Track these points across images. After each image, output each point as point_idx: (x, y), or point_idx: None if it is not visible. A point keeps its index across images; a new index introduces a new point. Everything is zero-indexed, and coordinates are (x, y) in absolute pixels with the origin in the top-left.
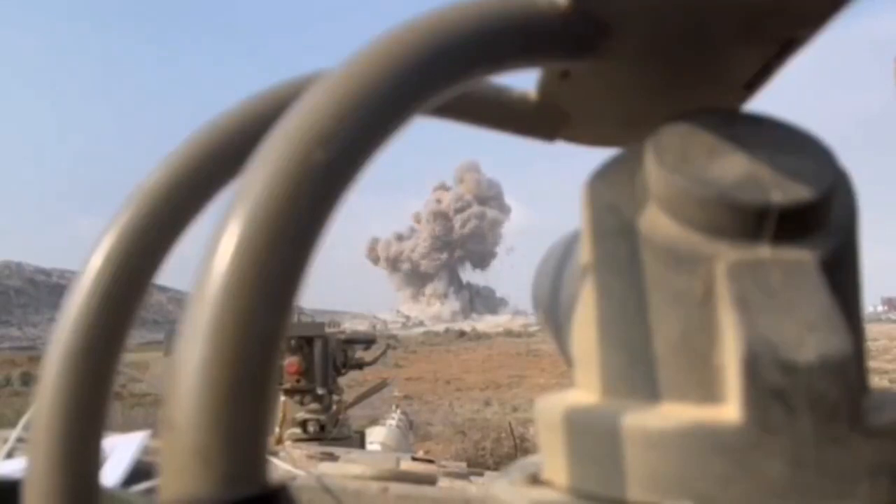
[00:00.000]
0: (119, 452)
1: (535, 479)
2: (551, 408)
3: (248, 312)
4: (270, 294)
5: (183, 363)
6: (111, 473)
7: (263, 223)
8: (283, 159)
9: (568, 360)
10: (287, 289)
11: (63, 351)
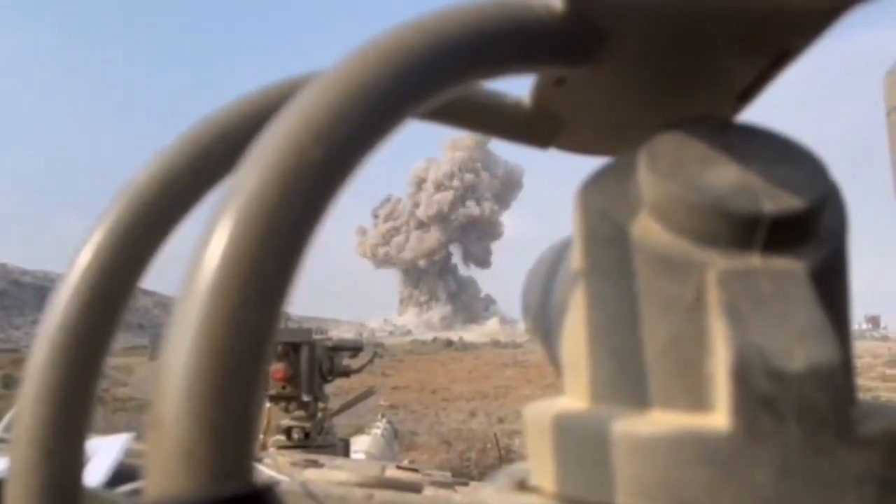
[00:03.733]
0: (102, 454)
1: (522, 486)
2: (540, 414)
3: (238, 308)
4: (261, 291)
5: (171, 358)
6: (94, 475)
7: (256, 219)
8: (278, 156)
9: (556, 367)
10: (279, 286)
11: (48, 350)
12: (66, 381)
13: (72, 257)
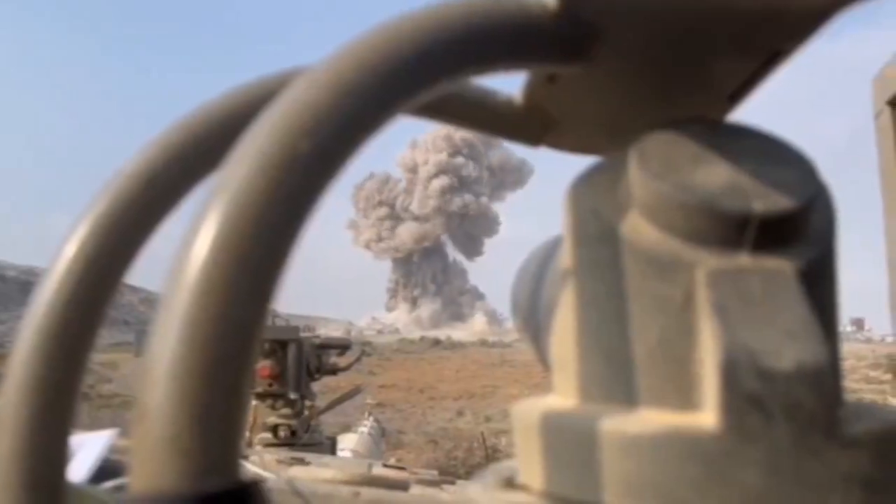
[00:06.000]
0: (86, 450)
1: (510, 484)
2: (528, 412)
3: (225, 302)
4: (250, 282)
5: (157, 352)
6: (78, 470)
7: (245, 212)
8: (267, 149)
9: (546, 365)
10: (267, 278)
11: (31, 345)
12: (50, 376)
13: (56, 251)
